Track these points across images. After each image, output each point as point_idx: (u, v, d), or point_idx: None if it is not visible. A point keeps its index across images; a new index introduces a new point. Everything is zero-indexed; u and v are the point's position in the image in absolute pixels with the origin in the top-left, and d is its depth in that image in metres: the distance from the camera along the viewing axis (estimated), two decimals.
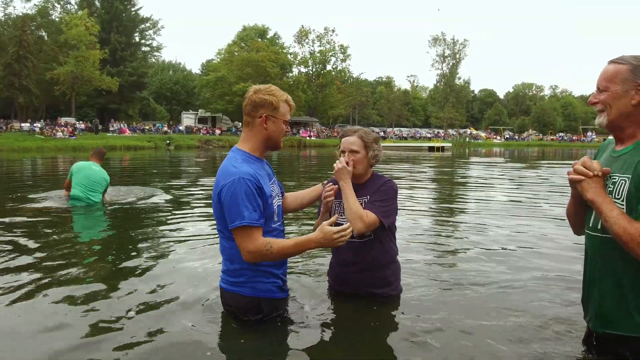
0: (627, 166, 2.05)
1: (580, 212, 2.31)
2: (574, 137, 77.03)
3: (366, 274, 3.30)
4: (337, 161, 3.17)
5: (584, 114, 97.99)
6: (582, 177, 2.08)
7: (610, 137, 2.30)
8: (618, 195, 2.06)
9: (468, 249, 5.27)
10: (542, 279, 4.15)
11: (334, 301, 3.46)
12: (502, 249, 5.29)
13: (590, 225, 2.21)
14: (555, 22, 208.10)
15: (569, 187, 2.22)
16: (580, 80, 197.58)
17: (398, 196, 3.31)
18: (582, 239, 2.35)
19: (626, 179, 2.03)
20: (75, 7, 57.48)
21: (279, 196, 3.01)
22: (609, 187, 2.11)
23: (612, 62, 2.14)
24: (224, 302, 3.00)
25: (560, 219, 6.45)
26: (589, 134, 77.10)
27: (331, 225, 2.67)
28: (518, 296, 3.71)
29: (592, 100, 2.19)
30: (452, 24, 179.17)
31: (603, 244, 2.12)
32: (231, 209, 2.63)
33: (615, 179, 2.10)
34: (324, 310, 3.34)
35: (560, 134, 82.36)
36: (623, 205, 2.01)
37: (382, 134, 70.39)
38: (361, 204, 3.14)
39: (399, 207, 3.40)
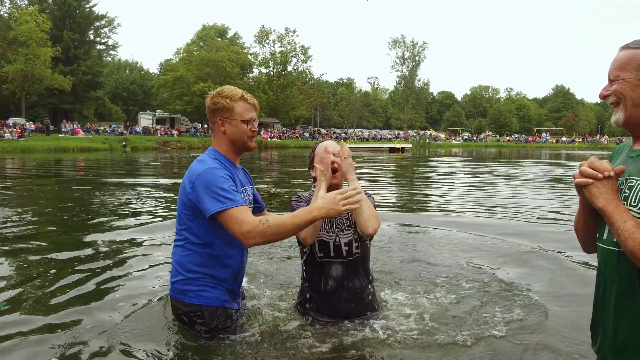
0: None
1: (592, 224, 1.91)
2: (529, 138, 79.25)
3: (356, 299, 3.03)
4: (327, 158, 2.84)
5: (538, 116, 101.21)
6: (591, 181, 1.72)
7: (625, 141, 1.97)
8: (635, 202, 1.71)
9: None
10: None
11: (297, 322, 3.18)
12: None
13: (605, 237, 1.83)
14: (509, 26, 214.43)
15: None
16: (534, 83, 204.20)
17: None
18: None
19: None
20: (26, 2, 55.18)
21: (250, 206, 2.82)
22: (625, 192, 1.76)
23: (624, 47, 1.80)
24: (173, 310, 2.91)
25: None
26: (544, 135, 79.55)
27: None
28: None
29: (602, 93, 1.84)
30: (411, 26, 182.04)
31: (620, 259, 1.74)
32: (210, 196, 2.52)
33: (632, 182, 1.75)
34: (289, 328, 3.07)
35: (516, 135, 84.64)
36: (639, 214, 1.68)
37: (343, 135, 70.63)
38: (348, 219, 2.96)
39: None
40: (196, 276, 2.72)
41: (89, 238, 5.86)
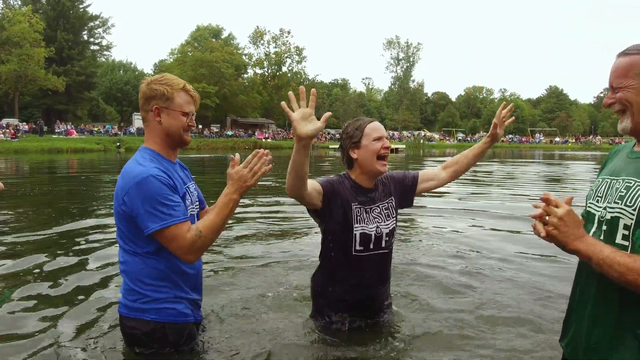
0: None
1: None
2: (522, 139, 79.54)
3: (386, 291, 2.99)
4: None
5: (532, 117, 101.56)
6: (550, 229, 1.64)
7: (623, 143, 1.97)
8: (630, 203, 1.68)
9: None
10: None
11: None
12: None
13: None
14: (503, 27, 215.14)
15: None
16: (528, 84, 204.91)
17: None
18: None
19: None
20: (19, 2, 54.91)
21: (195, 205, 2.60)
22: (622, 192, 1.73)
23: (622, 54, 1.78)
24: (123, 330, 2.53)
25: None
26: (537, 135, 79.90)
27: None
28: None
29: (607, 102, 1.81)
30: (405, 27, 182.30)
31: None
32: (147, 211, 2.24)
33: (630, 182, 1.72)
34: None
35: (510, 135, 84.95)
36: (634, 215, 1.65)
37: (337, 135, 70.65)
38: (388, 208, 2.84)
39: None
40: (153, 289, 2.41)
41: (83, 236, 5.88)
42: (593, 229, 1.80)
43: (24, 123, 48.22)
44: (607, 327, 1.75)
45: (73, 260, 4.88)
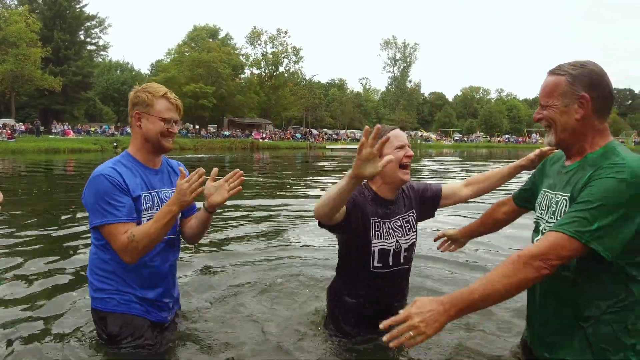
0: (569, 184, 1.89)
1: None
2: (519, 139, 79.74)
3: (403, 302, 2.82)
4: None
5: (528, 117, 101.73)
6: (417, 339, 1.62)
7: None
8: (559, 216, 1.86)
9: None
10: None
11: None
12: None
13: (533, 241, 2.04)
14: (500, 27, 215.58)
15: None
16: (524, 83, 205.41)
17: None
18: None
19: (566, 198, 1.87)
20: (15, 2, 54.79)
21: (156, 209, 2.58)
22: (553, 207, 1.93)
23: (550, 72, 1.94)
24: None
25: None
26: (534, 135, 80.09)
27: None
28: None
29: (536, 117, 2.01)
30: (402, 27, 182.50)
31: None
32: (92, 207, 2.43)
33: (559, 198, 1.91)
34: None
35: (506, 135, 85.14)
36: None
37: (335, 136, 70.75)
38: (408, 221, 2.73)
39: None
40: (103, 279, 2.56)
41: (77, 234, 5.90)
42: (537, 238, 1.99)
43: (21, 123, 48.09)
44: (554, 320, 1.89)
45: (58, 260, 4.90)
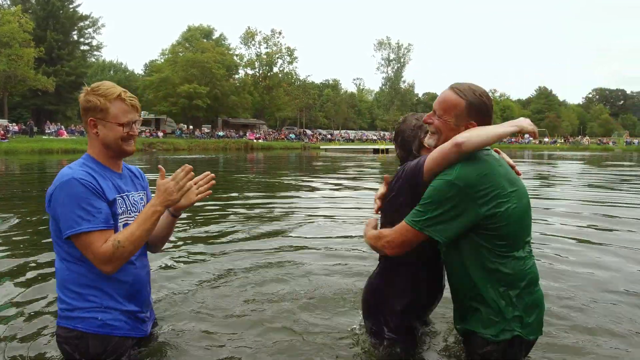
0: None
1: None
2: (512, 139, 80.00)
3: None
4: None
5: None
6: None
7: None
8: None
9: None
10: None
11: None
12: None
13: None
14: (493, 28, 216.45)
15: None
16: (518, 84, 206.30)
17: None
18: None
19: None
20: (8, 2, 54.52)
21: (133, 215, 2.44)
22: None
23: (453, 89, 2.19)
24: (57, 338, 2.40)
25: None
26: (526, 135, 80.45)
27: None
28: None
29: (426, 120, 2.28)
30: (396, 28, 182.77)
31: (443, 249, 2.29)
32: (65, 214, 2.19)
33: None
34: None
35: None
36: None
37: (329, 136, 70.84)
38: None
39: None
40: (82, 296, 2.30)
41: None
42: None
43: (14, 124, 47.87)
44: (456, 301, 2.31)
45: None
